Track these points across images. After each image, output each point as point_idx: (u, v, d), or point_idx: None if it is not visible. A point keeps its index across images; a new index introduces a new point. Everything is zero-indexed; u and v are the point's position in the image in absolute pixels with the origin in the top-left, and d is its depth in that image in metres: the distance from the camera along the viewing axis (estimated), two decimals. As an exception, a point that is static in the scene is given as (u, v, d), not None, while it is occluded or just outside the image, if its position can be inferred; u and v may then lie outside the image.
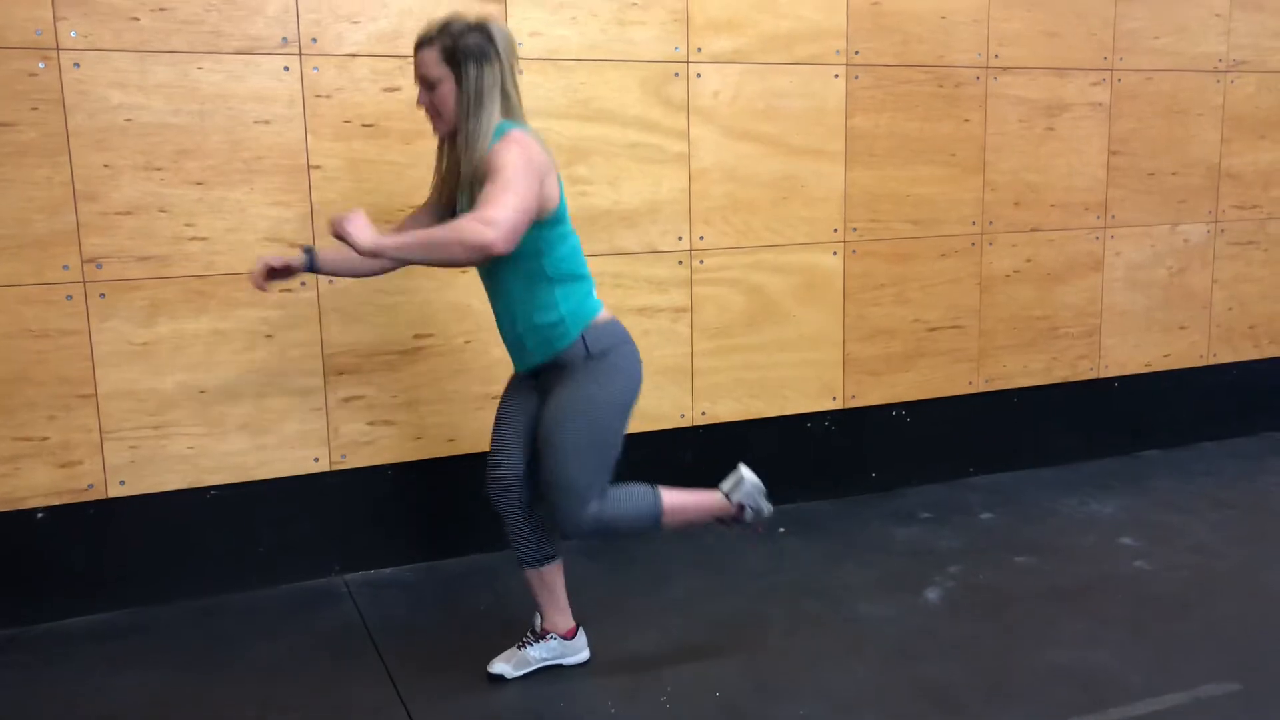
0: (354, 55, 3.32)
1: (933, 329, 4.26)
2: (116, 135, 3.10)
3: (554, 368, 2.70)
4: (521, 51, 3.31)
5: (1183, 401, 4.82)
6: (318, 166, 3.32)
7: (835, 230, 4.02)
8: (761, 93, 3.83)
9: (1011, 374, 4.43)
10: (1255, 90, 4.72)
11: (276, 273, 2.74)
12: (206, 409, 3.29)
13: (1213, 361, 4.86)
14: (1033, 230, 4.37)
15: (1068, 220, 4.44)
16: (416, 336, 3.51)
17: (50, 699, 2.80)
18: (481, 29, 2.55)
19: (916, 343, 4.24)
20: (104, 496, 3.22)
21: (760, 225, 3.90)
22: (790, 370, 4.04)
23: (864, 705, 2.71)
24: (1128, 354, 4.67)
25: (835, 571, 3.53)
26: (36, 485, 3.15)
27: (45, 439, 3.15)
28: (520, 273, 2.63)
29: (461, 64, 2.54)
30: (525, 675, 2.86)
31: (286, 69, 3.25)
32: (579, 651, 2.93)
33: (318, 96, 3.29)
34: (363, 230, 2.37)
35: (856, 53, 3.95)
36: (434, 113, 2.63)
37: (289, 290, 3.32)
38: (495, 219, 2.37)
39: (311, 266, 2.72)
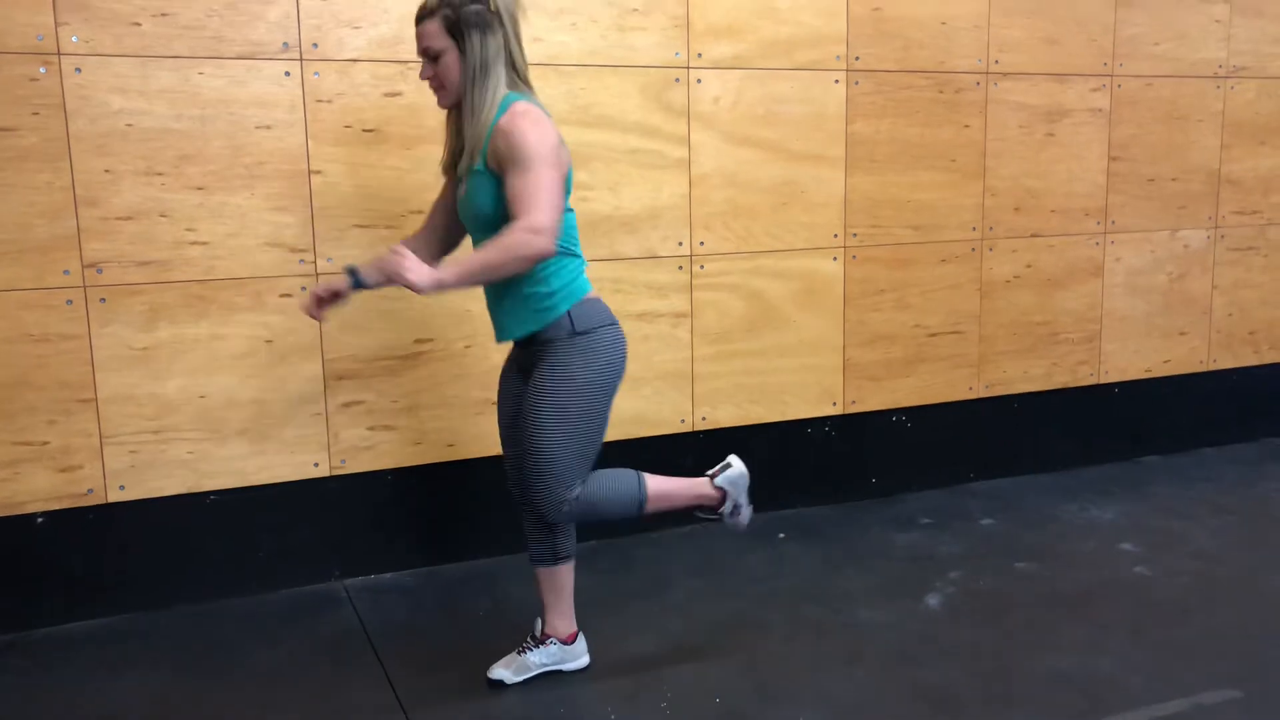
0: (355, 60, 3.32)
1: (933, 334, 4.26)
2: (117, 140, 3.10)
3: (538, 343, 2.68)
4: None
5: (1183, 407, 4.81)
6: (319, 171, 3.32)
7: (835, 236, 4.02)
8: (762, 98, 3.84)
9: (1012, 379, 4.43)
10: (1255, 96, 4.72)
11: (325, 301, 2.76)
12: (206, 414, 3.29)
13: (1213, 367, 4.86)
14: (1033, 236, 4.37)
15: (1068, 226, 4.44)
16: (416, 341, 3.51)
17: (50, 704, 2.80)
18: None
19: (917, 348, 4.24)
20: (104, 501, 3.22)
21: (760, 231, 3.91)
22: (790, 375, 4.04)
23: (864, 710, 2.71)
24: (1128, 359, 4.67)
25: (835, 577, 3.53)
26: (36, 490, 3.15)
27: (45, 444, 3.15)
28: None
29: (465, 34, 2.55)
30: (525, 681, 2.86)
31: (288, 74, 3.25)
32: (579, 657, 2.93)
33: (319, 102, 3.29)
34: (418, 272, 2.38)
35: (857, 58, 3.95)
36: (438, 84, 2.64)
37: (289, 295, 3.32)
38: (541, 225, 2.45)
39: (358, 284, 2.73)
